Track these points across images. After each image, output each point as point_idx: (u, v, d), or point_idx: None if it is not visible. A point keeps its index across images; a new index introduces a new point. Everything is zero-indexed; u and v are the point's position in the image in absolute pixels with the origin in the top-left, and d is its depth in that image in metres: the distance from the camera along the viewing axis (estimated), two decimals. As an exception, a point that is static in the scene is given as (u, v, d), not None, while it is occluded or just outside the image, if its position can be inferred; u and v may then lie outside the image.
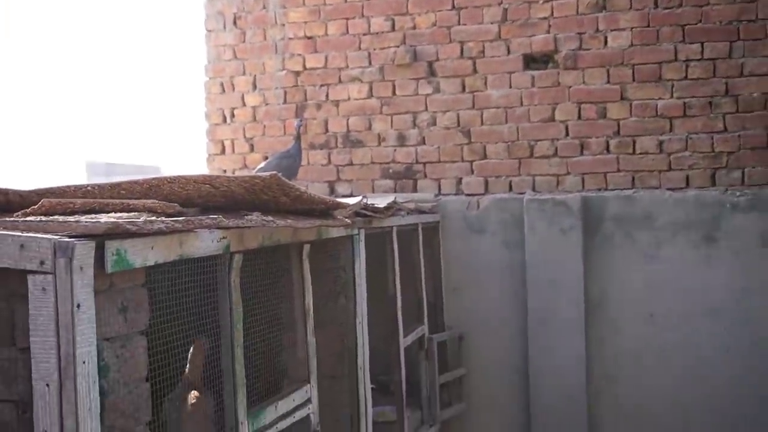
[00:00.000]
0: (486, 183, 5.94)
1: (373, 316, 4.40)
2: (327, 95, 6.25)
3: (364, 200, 4.01)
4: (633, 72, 5.67)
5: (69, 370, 1.91)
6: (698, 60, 5.56)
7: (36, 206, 2.45)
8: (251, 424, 2.74)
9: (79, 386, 1.91)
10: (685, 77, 5.58)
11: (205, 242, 2.48)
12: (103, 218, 2.06)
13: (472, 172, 5.97)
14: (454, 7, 5.99)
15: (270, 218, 2.59)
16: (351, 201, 3.76)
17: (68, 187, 2.75)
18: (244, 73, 6.43)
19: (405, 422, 4.65)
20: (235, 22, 6.44)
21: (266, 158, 6.28)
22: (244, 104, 6.44)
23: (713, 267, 5.40)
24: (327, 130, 6.25)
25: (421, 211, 5.33)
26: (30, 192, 2.79)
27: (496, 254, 5.77)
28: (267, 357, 3.36)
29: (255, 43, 6.40)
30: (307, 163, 6.11)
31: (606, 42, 5.71)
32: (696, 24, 5.56)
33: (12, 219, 2.14)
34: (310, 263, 3.43)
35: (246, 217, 2.58)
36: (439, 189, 6.03)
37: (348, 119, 6.21)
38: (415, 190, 6.06)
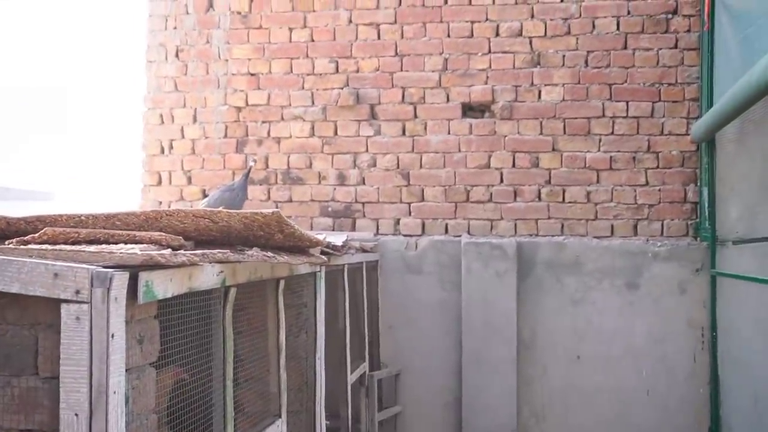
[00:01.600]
0: (423, 225, 6.13)
1: (329, 355, 4.48)
2: (269, 132, 6.32)
3: (325, 238, 4.10)
4: (564, 125, 6.01)
5: (101, 400, 1.92)
6: (624, 117, 5.96)
7: (37, 234, 2.44)
8: (237, 457, 2.76)
9: (110, 416, 1.92)
10: (612, 132, 5.97)
11: (207, 276, 2.52)
12: (138, 249, 2.09)
13: (410, 213, 6.15)
14: (397, 53, 6.20)
15: (270, 254, 2.65)
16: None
17: (60, 215, 2.72)
18: (184, 106, 6.42)
19: (349, 459, 4.70)
20: (177, 55, 6.44)
21: (204, 191, 6.29)
22: (183, 136, 6.42)
23: (635, 312, 5.74)
24: (267, 166, 6.31)
25: (364, 250, 5.45)
26: (18, 219, 2.76)
27: (433, 294, 5.94)
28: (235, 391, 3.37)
29: (197, 76, 6.42)
30: (247, 197, 6.12)
31: (540, 96, 6.04)
32: (622, 84, 5.96)
33: (16, 246, 2.13)
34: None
35: (246, 252, 2.63)
36: (378, 229, 6.18)
37: (289, 156, 6.29)
38: (353, 229, 6.18)
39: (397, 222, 6.16)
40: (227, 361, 2.72)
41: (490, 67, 6.11)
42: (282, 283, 3.38)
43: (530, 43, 6.07)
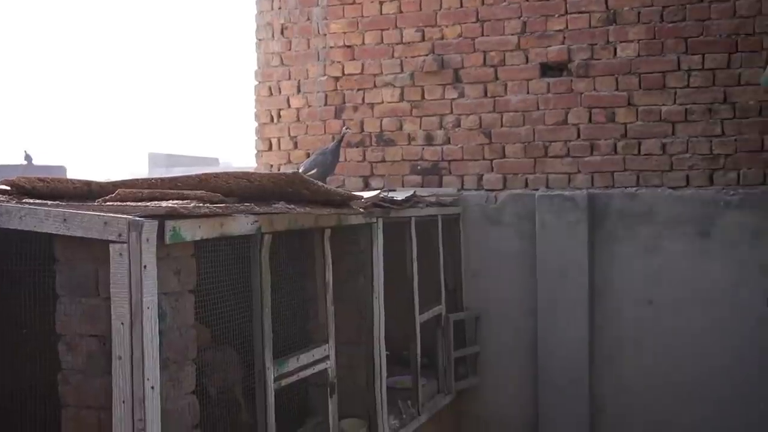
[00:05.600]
0: (504, 180, 6.56)
1: (401, 299, 5.12)
2: (363, 99, 6.94)
3: (382, 194, 4.68)
4: (639, 80, 6.21)
5: (138, 314, 2.64)
6: (699, 70, 6.07)
7: (113, 194, 3.20)
8: (276, 369, 3.46)
9: (145, 326, 2.64)
10: (687, 85, 6.10)
11: (241, 224, 3.19)
12: (164, 204, 2.78)
13: (492, 169, 6.60)
14: (478, 19, 6.61)
15: (292, 206, 3.29)
16: (368, 194, 4.43)
17: (137, 179, 3.49)
18: (289, 78, 7.17)
19: (419, 389, 5.31)
20: (282, 32, 7.18)
21: (308, 154, 7.02)
22: (289, 106, 7.18)
23: (708, 259, 5.93)
24: (363, 130, 6.95)
25: (442, 204, 5.98)
26: (107, 183, 3.55)
27: (511, 244, 6.39)
28: (296, 323, 4.07)
29: (300, 51, 7.13)
30: (344, 159, 6.80)
31: (615, 53, 6.27)
32: (698, 37, 6.07)
33: (97, 204, 2.87)
34: (334, 246, 4.13)
35: (273, 205, 3.28)
36: (462, 184, 6.68)
37: (381, 120, 6.90)
38: (440, 185, 6.72)
39: (480, 178, 6.63)
40: (264, 294, 3.40)
41: (567, 27, 6.39)
42: (328, 231, 4.01)
43: (606, 1, 6.28)
